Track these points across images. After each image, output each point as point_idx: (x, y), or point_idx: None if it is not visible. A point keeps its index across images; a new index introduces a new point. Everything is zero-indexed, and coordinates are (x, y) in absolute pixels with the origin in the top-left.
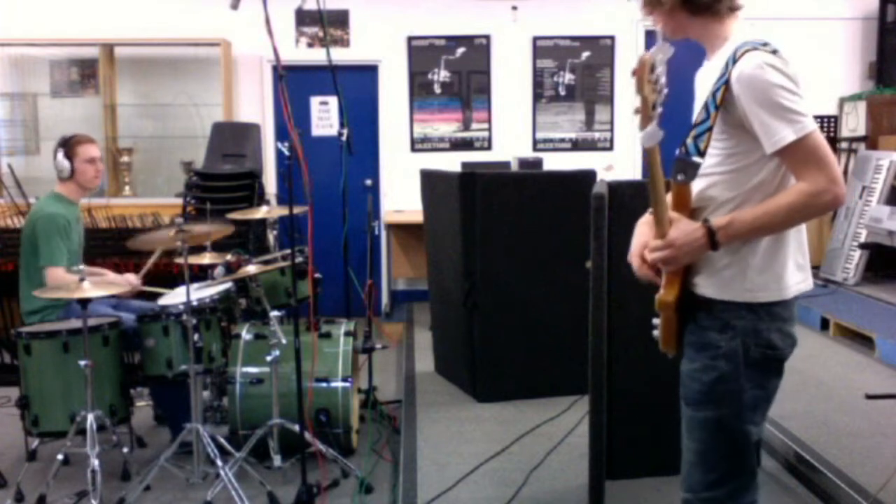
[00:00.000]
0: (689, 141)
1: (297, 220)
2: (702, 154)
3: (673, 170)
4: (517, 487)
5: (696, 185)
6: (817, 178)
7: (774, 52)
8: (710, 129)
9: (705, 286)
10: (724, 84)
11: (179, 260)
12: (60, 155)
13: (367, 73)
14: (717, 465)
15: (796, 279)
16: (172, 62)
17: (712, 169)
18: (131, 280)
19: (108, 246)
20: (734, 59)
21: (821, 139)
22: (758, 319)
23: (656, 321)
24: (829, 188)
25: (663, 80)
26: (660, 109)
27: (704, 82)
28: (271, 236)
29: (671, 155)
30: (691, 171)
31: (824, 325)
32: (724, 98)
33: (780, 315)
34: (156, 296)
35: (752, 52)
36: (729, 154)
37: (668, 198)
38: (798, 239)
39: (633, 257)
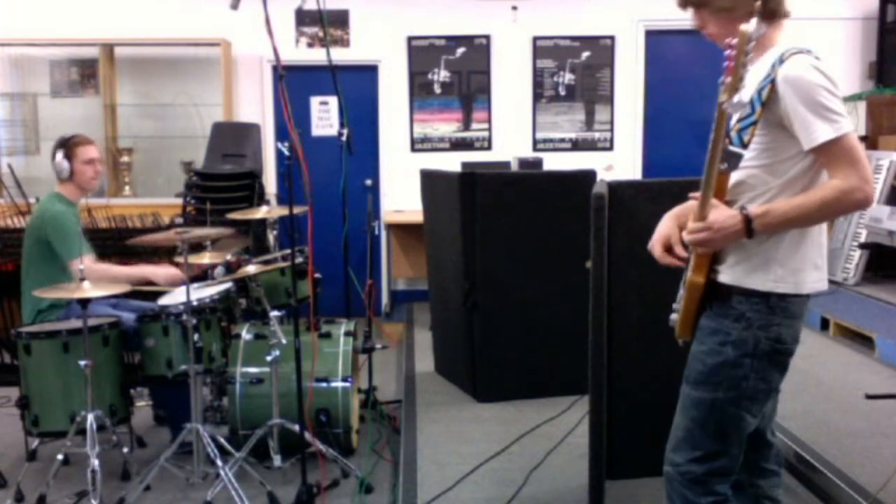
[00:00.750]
0: (734, 133)
1: (297, 220)
2: (745, 146)
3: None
4: (517, 487)
5: (732, 177)
6: (850, 176)
7: (817, 58)
8: (754, 124)
9: (728, 274)
10: (771, 83)
11: (179, 260)
12: (60, 156)
13: (367, 73)
14: (703, 444)
15: (813, 278)
16: (172, 62)
17: (748, 162)
18: (174, 274)
19: (108, 246)
20: (780, 61)
21: (856, 140)
22: (771, 314)
23: (676, 306)
24: (862, 187)
25: (752, 54)
26: (744, 83)
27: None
28: (271, 236)
29: (678, 154)
30: (734, 160)
31: (824, 325)
32: (769, 96)
33: (792, 312)
34: (156, 295)
35: (799, 55)
36: (765, 149)
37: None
38: (819, 241)
39: (655, 245)
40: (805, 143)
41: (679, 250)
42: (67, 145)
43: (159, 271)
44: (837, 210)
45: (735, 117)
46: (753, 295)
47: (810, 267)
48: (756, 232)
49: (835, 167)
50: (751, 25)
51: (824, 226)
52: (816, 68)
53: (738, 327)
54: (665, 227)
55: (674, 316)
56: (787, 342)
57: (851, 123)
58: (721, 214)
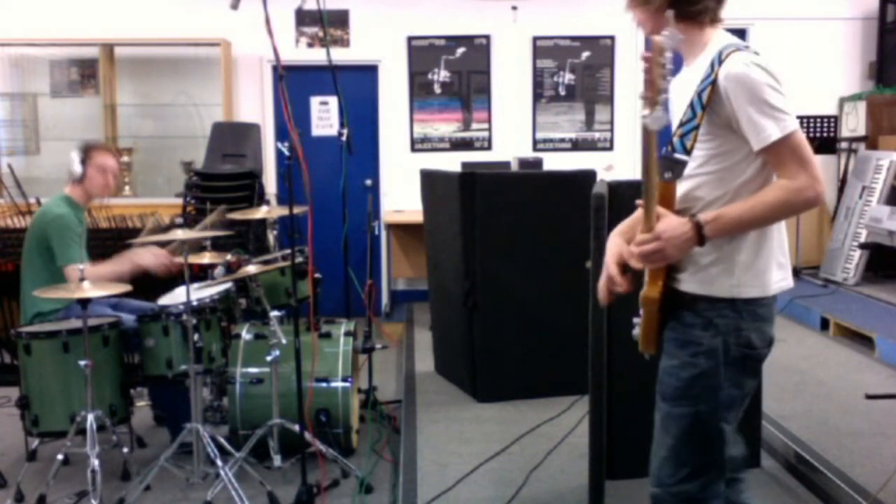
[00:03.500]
0: (676, 140)
1: (297, 220)
2: (688, 152)
3: (659, 168)
4: (517, 487)
5: (682, 187)
6: (799, 175)
7: (756, 53)
8: (696, 128)
9: (690, 282)
10: (711, 84)
11: (179, 260)
12: (76, 157)
13: (367, 73)
14: (690, 460)
15: (777, 277)
16: (172, 62)
17: (697, 170)
18: (156, 251)
19: (108, 246)
20: (720, 60)
21: (803, 138)
22: (740, 318)
23: (637, 320)
24: (812, 185)
25: (670, 66)
26: (665, 95)
27: (683, 87)
28: (271, 236)
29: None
30: (678, 168)
31: (824, 325)
32: (710, 98)
33: (760, 315)
34: (156, 295)
35: (738, 53)
36: (713, 155)
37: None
38: (779, 238)
39: (611, 267)
40: (754, 143)
41: (634, 263)
42: (86, 149)
43: (142, 253)
44: (788, 210)
45: (675, 123)
46: (719, 301)
47: (774, 266)
48: (708, 238)
49: (782, 166)
50: (664, 36)
51: (783, 223)
52: (758, 65)
53: (708, 336)
54: (615, 245)
55: (636, 331)
56: (757, 346)
57: (797, 121)
58: (669, 224)
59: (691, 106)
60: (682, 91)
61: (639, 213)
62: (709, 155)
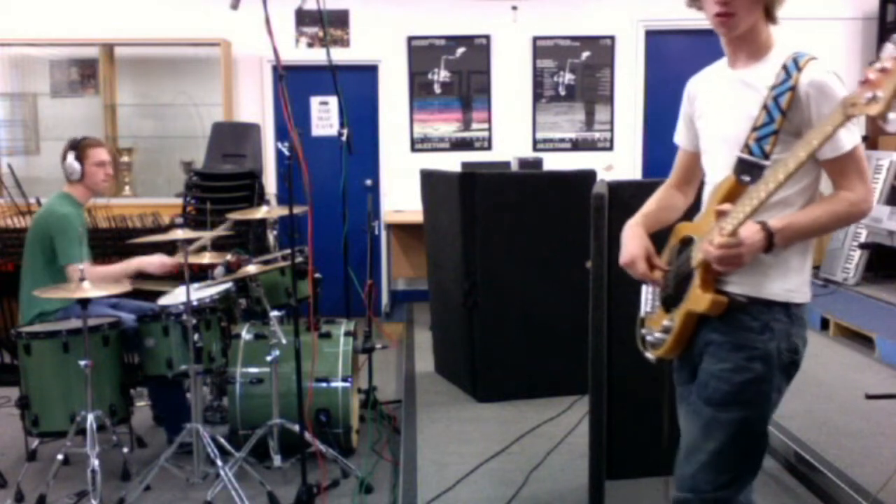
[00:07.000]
0: (753, 143)
1: (297, 220)
2: (766, 156)
3: (735, 170)
4: (517, 487)
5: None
6: (858, 187)
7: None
8: (775, 133)
9: (744, 285)
10: (791, 90)
11: (179, 260)
12: (71, 157)
13: (367, 73)
14: (733, 466)
15: (810, 284)
16: (172, 62)
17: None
18: (164, 261)
19: (108, 246)
20: (797, 66)
21: (864, 151)
22: (791, 324)
23: (666, 324)
24: (867, 198)
25: None
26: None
27: (737, 86)
28: (271, 236)
29: (661, 154)
30: (757, 172)
31: (824, 325)
32: (790, 103)
33: (803, 321)
34: (156, 295)
35: (816, 61)
36: (778, 160)
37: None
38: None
39: (639, 261)
40: (829, 151)
41: (658, 261)
42: (79, 147)
43: (151, 260)
44: (846, 222)
45: (750, 125)
46: (774, 305)
47: (810, 274)
48: (776, 247)
49: (845, 177)
50: None
51: None
52: (836, 75)
53: (764, 339)
54: (642, 239)
55: (658, 335)
56: (800, 352)
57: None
58: (749, 230)
59: (766, 109)
60: (732, 90)
61: (652, 207)
62: (774, 160)
